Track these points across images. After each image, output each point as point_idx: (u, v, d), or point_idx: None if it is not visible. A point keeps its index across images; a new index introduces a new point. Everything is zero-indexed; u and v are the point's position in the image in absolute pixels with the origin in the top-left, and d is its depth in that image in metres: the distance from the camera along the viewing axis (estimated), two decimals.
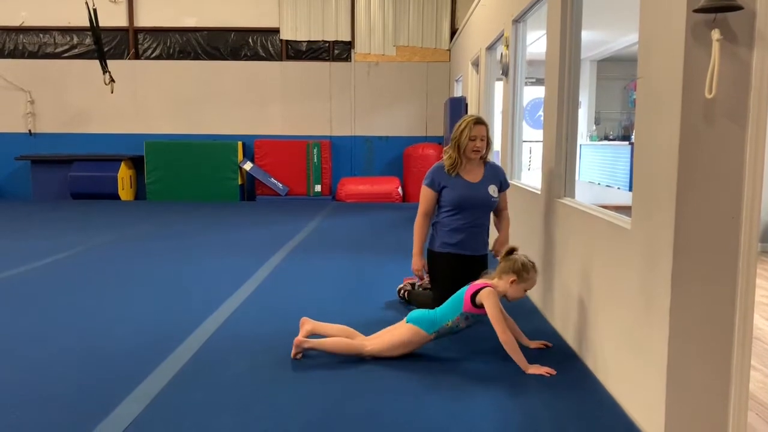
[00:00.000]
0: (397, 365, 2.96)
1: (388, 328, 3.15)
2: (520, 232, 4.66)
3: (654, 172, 2.28)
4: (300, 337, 3.06)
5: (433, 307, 3.34)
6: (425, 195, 3.76)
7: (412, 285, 4.05)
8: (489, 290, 2.96)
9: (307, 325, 3.14)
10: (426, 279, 3.94)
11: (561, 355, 3.10)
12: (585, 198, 3.95)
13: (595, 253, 2.93)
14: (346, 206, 9.83)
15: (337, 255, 5.78)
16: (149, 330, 3.52)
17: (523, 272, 3.01)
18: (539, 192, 4.06)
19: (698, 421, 2.15)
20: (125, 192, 10.59)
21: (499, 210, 3.85)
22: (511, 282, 2.99)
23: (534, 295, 4.10)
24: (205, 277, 4.85)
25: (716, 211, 2.09)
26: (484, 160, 3.75)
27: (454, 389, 2.73)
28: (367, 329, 3.27)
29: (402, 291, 4.06)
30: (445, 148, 3.85)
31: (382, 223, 8.08)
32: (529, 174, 7.30)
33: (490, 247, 3.90)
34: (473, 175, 3.72)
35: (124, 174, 10.57)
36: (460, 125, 3.69)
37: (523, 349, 2.97)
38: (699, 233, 2.11)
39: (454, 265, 3.66)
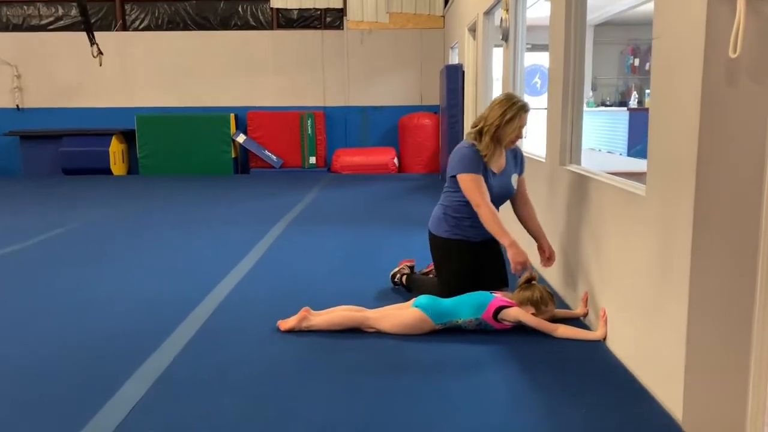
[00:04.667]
0: (404, 338, 2.91)
1: (395, 306, 3.09)
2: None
3: (672, 136, 2.20)
4: (305, 313, 3.00)
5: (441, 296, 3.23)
6: (478, 182, 3.18)
7: (411, 269, 3.69)
8: (518, 310, 2.93)
9: (310, 320, 2.99)
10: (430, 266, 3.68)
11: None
12: (590, 165, 3.87)
13: (606, 220, 2.87)
14: (341, 178, 9.73)
15: (335, 228, 5.71)
16: (149, 307, 3.45)
17: (542, 305, 2.97)
18: (543, 160, 3.98)
19: (717, 392, 2.10)
20: (117, 167, 10.44)
21: (522, 199, 3.42)
22: (531, 314, 2.96)
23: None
24: (203, 253, 4.77)
25: (739, 177, 2.01)
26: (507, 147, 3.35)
27: (463, 364, 2.68)
28: (369, 305, 3.22)
29: (399, 276, 3.64)
30: (469, 131, 3.34)
31: (379, 194, 7.99)
32: (524, 141, 7.20)
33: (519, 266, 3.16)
34: (498, 163, 3.30)
35: (116, 148, 10.41)
36: (504, 112, 3.18)
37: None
38: (720, 200, 2.03)
39: (466, 253, 3.34)
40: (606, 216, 2.87)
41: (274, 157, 10.40)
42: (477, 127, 3.30)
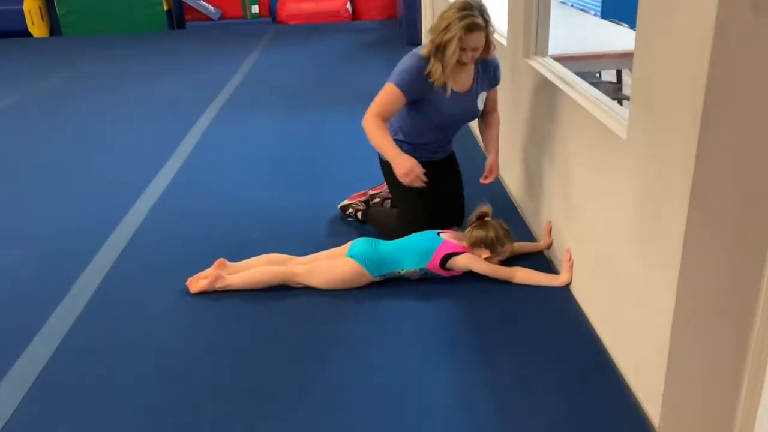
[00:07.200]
0: (336, 296, 2.46)
1: (326, 253, 2.60)
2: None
3: (671, 73, 1.61)
4: (218, 271, 2.52)
5: (402, 229, 2.71)
6: (390, 96, 2.59)
7: (366, 203, 3.05)
8: (468, 258, 2.50)
9: (225, 280, 2.50)
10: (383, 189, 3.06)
11: (532, 265, 2.60)
12: (558, 42, 3.21)
13: (576, 150, 2.33)
14: (288, 31, 8.77)
15: (275, 111, 5.04)
16: (41, 254, 2.90)
17: (497, 245, 2.50)
18: (505, 44, 3.32)
19: (703, 398, 1.72)
20: (37, 27, 9.27)
21: (486, 112, 2.82)
22: (484, 258, 2.50)
23: (512, 186, 3.54)
24: (118, 159, 4.13)
25: (760, 135, 1.48)
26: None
27: (404, 332, 2.27)
28: (304, 239, 2.75)
29: (353, 211, 3.05)
30: (425, 45, 2.59)
31: (330, 54, 7.18)
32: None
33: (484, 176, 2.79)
34: (462, 81, 2.65)
35: (32, 6, 9.16)
36: (446, 27, 2.46)
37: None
38: (731, 164, 1.50)
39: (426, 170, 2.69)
40: (576, 145, 2.32)
41: (212, 8, 9.28)
42: (428, 42, 2.59)
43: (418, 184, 2.54)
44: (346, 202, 3.11)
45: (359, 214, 3.04)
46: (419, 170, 2.53)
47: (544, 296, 2.43)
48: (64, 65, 7.19)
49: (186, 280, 2.56)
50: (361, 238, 2.61)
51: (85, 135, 4.67)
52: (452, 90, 2.61)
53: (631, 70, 2.10)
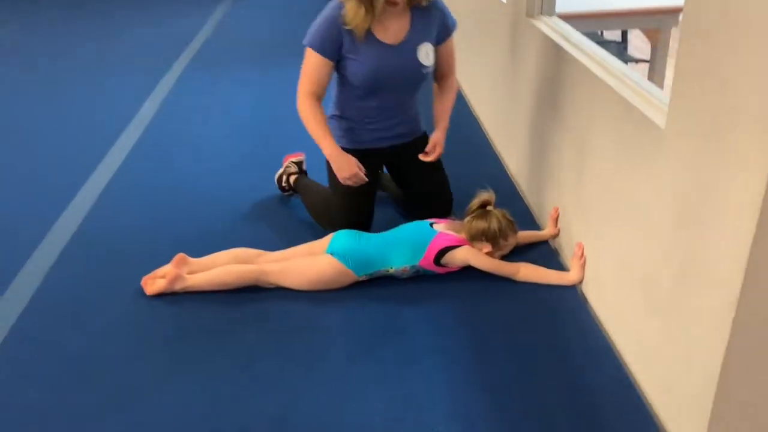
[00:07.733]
0: (314, 300, 2.15)
1: (303, 249, 2.26)
2: (482, 60, 3.56)
3: (738, 48, 1.28)
4: (177, 270, 2.17)
5: (329, 218, 2.43)
6: (310, 65, 2.25)
7: (299, 166, 2.73)
8: (467, 252, 2.18)
9: (186, 280, 2.16)
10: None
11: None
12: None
13: (594, 137, 1.99)
14: None
15: (247, 70, 4.63)
16: None
17: (500, 239, 2.19)
18: (504, 0, 2.94)
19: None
20: None
21: (441, 75, 2.44)
22: (485, 252, 2.19)
23: (513, 165, 3.20)
24: (66, 130, 3.67)
25: None
26: (410, 2, 2.25)
27: (393, 347, 1.96)
28: (285, 213, 2.47)
29: (285, 178, 2.72)
30: None
31: (309, 3, 6.67)
32: None
33: (428, 147, 2.39)
34: (392, 31, 2.24)
35: None
36: None
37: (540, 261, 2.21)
38: None
39: (371, 165, 2.39)
40: (596, 129, 1.98)
41: None
42: None
43: (354, 181, 2.31)
44: (280, 170, 2.76)
45: (292, 179, 2.69)
46: (362, 174, 2.29)
47: (552, 296, 2.13)
48: (10, 17, 6.59)
49: (140, 279, 2.22)
50: (342, 231, 2.27)
51: (30, 101, 4.21)
52: (379, 41, 2.23)
53: (642, 30, 1.78)
